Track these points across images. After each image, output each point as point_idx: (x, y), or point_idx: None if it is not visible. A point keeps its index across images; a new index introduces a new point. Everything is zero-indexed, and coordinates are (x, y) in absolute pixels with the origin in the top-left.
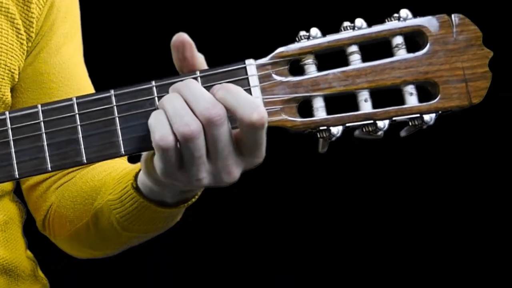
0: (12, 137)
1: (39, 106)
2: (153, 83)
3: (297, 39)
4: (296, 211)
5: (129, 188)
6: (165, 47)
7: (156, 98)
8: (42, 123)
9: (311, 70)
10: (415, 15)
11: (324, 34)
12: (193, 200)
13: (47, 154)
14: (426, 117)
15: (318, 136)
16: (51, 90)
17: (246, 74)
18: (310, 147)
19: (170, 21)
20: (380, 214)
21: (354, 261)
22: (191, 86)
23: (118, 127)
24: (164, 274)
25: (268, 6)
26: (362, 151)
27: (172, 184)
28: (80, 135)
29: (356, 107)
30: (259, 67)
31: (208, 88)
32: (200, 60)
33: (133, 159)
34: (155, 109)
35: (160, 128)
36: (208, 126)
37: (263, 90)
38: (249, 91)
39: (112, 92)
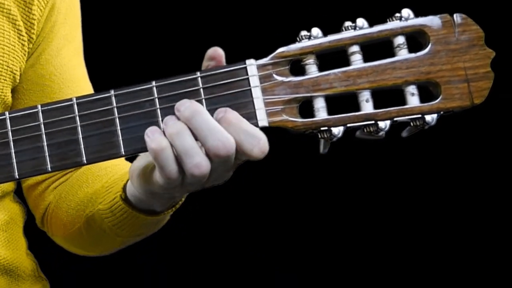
0: (12, 137)
1: (39, 106)
2: (153, 83)
3: (298, 39)
4: (296, 211)
5: (118, 199)
6: (166, 47)
7: (157, 99)
8: (42, 124)
9: (312, 70)
10: (416, 15)
11: (325, 34)
12: (180, 203)
13: (47, 154)
14: (428, 118)
15: (319, 136)
16: (52, 92)
17: (247, 74)
18: (311, 148)
19: (171, 22)
20: (380, 214)
21: (354, 261)
22: (199, 119)
23: (118, 128)
24: (164, 273)
25: (269, 6)
26: (363, 151)
27: (168, 193)
28: (80, 136)
29: (357, 108)
30: (260, 67)
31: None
32: None
33: (132, 159)
34: (155, 110)
35: (167, 165)
36: (215, 159)
37: (264, 91)
38: (249, 91)
39: (112, 92)
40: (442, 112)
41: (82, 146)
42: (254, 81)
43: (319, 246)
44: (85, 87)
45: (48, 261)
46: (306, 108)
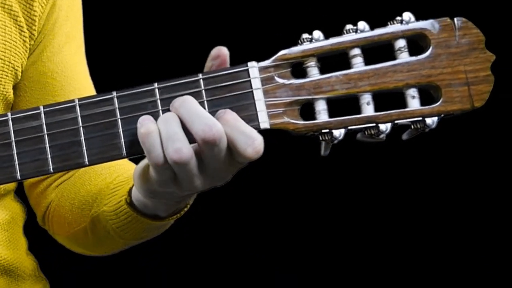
0: (14, 138)
1: (41, 107)
2: (156, 85)
3: (299, 41)
4: (297, 212)
5: (123, 203)
6: (168, 49)
7: (159, 100)
8: (44, 125)
9: (314, 73)
10: (417, 18)
11: (326, 36)
12: (185, 209)
13: (49, 155)
14: (428, 121)
15: (320, 139)
16: (54, 89)
17: (249, 76)
18: (312, 150)
19: (173, 23)
20: (381, 216)
21: (354, 261)
22: (187, 106)
23: (120, 129)
24: (164, 274)
25: (270, 8)
26: (364, 154)
27: (166, 192)
28: (82, 137)
29: (358, 110)
30: (262, 70)
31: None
32: None
33: (135, 159)
34: (157, 112)
35: (153, 149)
36: (203, 146)
37: (266, 93)
38: (251, 93)
39: (115, 94)
40: (442, 115)
41: (84, 147)
42: (256, 83)
43: (319, 246)
44: (87, 85)
45: (48, 261)
46: (307, 110)
